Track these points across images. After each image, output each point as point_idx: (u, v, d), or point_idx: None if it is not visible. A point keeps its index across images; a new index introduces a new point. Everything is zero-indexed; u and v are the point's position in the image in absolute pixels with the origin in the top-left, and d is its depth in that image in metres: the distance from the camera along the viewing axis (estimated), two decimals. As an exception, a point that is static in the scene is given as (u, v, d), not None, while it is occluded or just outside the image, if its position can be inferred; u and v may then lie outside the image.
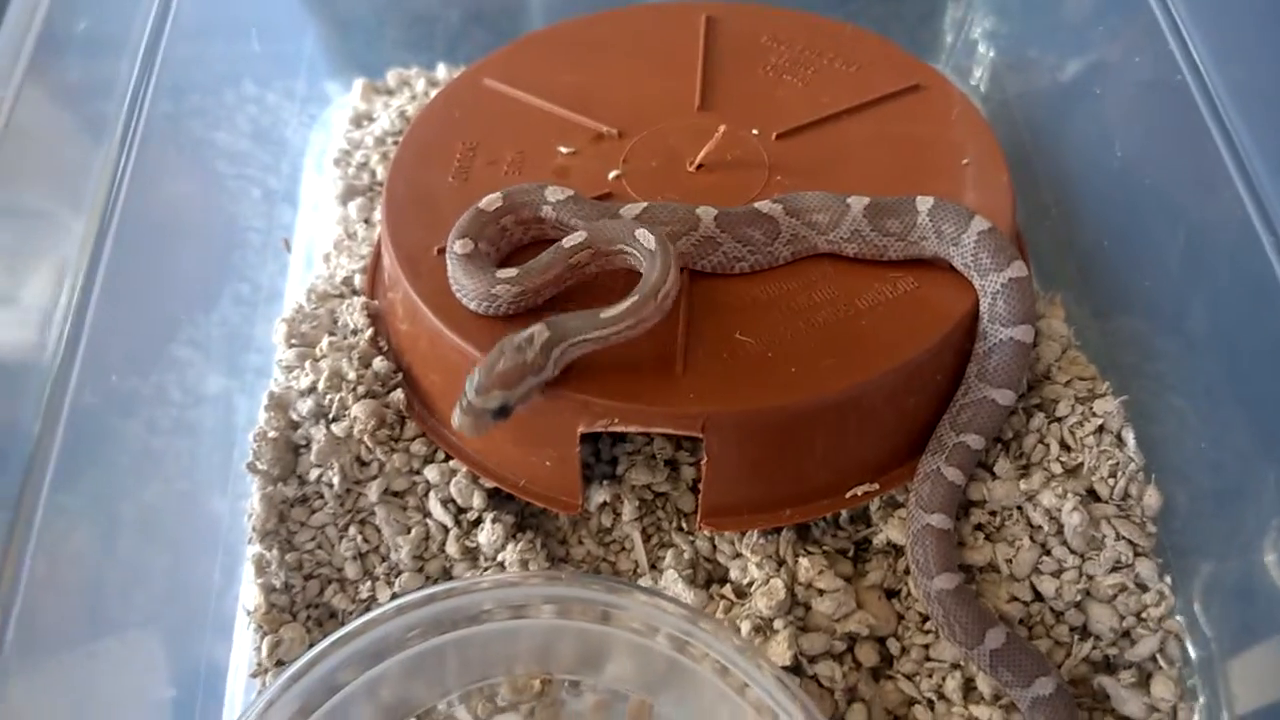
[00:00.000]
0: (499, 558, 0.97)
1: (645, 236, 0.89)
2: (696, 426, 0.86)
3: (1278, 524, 0.86)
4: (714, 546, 0.99)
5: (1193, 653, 0.90)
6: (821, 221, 0.93)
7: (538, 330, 0.84)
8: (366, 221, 1.24)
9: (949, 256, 0.92)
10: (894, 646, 0.94)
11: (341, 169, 1.30)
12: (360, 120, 1.37)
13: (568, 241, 0.91)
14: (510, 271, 0.91)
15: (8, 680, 0.77)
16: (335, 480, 0.98)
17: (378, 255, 1.16)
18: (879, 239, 0.92)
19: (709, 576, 0.98)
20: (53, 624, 0.87)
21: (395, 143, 1.30)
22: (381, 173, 1.28)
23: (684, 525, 1.01)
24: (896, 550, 0.96)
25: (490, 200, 0.95)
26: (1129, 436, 0.93)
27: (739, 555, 0.97)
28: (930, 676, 0.92)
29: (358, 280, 1.15)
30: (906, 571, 0.95)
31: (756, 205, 0.95)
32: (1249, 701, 0.84)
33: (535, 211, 0.96)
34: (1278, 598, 0.85)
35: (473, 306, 0.93)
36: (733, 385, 0.87)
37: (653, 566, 1.00)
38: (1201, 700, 0.88)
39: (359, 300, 1.10)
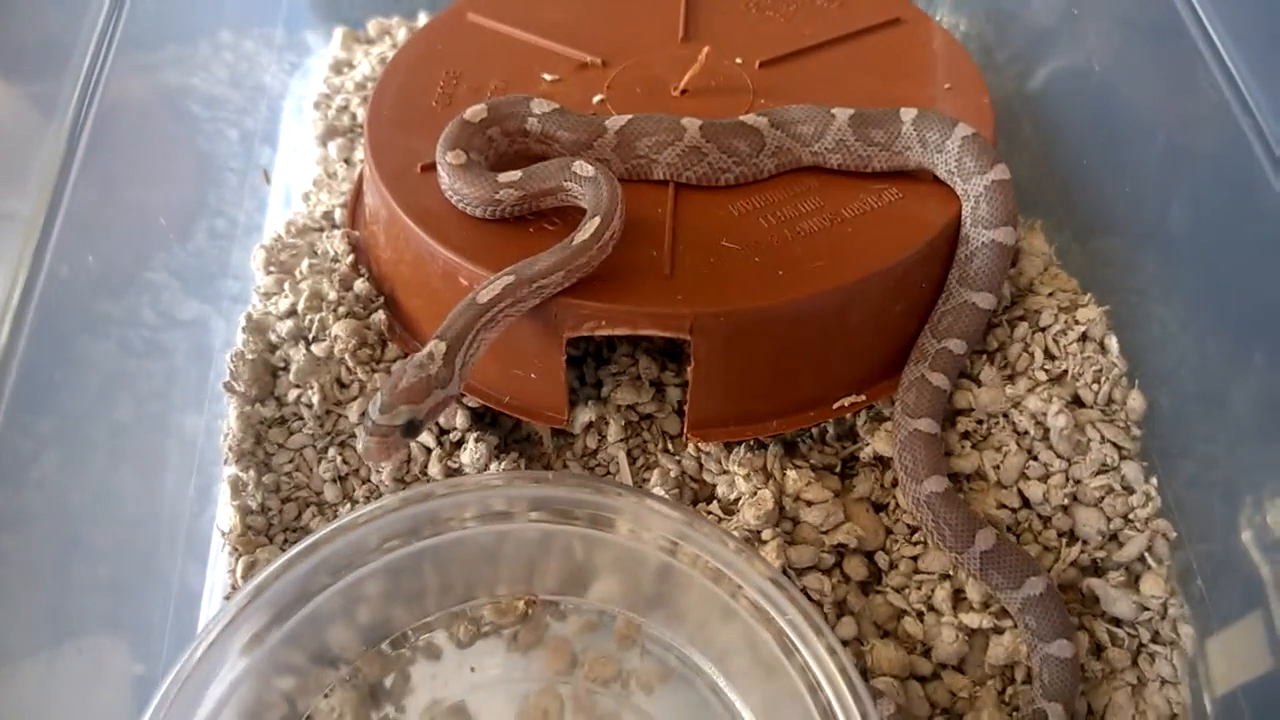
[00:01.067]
0: (482, 477, 0.96)
1: (582, 167, 0.89)
2: (684, 328, 0.86)
3: (1259, 424, 0.86)
4: (700, 465, 0.98)
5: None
6: (806, 133, 0.94)
7: (434, 345, 0.82)
8: (346, 161, 1.23)
9: (933, 165, 0.93)
10: (882, 560, 0.93)
11: (321, 111, 1.29)
12: (340, 68, 1.36)
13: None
14: (513, 175, 0.91)
15: None
16: (315, 400, 0.96)
17: (358, 191, 1.16)
18: (864, 149, 0.93)
19: (695, 495, 0.97)
20: (20, 549, 0.85)
21: (376, 82, 1.29)
22: (361, 115, 1.28)
23: (670, 447, 1.00)
24: (883, 463, 0.96)
25: (475, 111, 0.95)
26: (1112, 343, 0.94)
27: (725, 472, 0.96)
28: (919, 588, 0.92)
29: (338, 215, 1.14)
30: (894, 484, 0.94)
31: (742, 118, 0.95)
32: (1231, 600, 0.85)
33: (520, 123, 0.96)
34: (1260, 496, 0.85)
35: (476, 213, 0.92)
36: (720, 288, 0.87)
37: (639, 488, 0.99)
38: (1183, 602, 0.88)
39: (340, 230, 1.09)
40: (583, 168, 0.89)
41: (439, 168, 0.93)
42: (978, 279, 0.90)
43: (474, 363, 0.84)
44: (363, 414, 0.81)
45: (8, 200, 0.88)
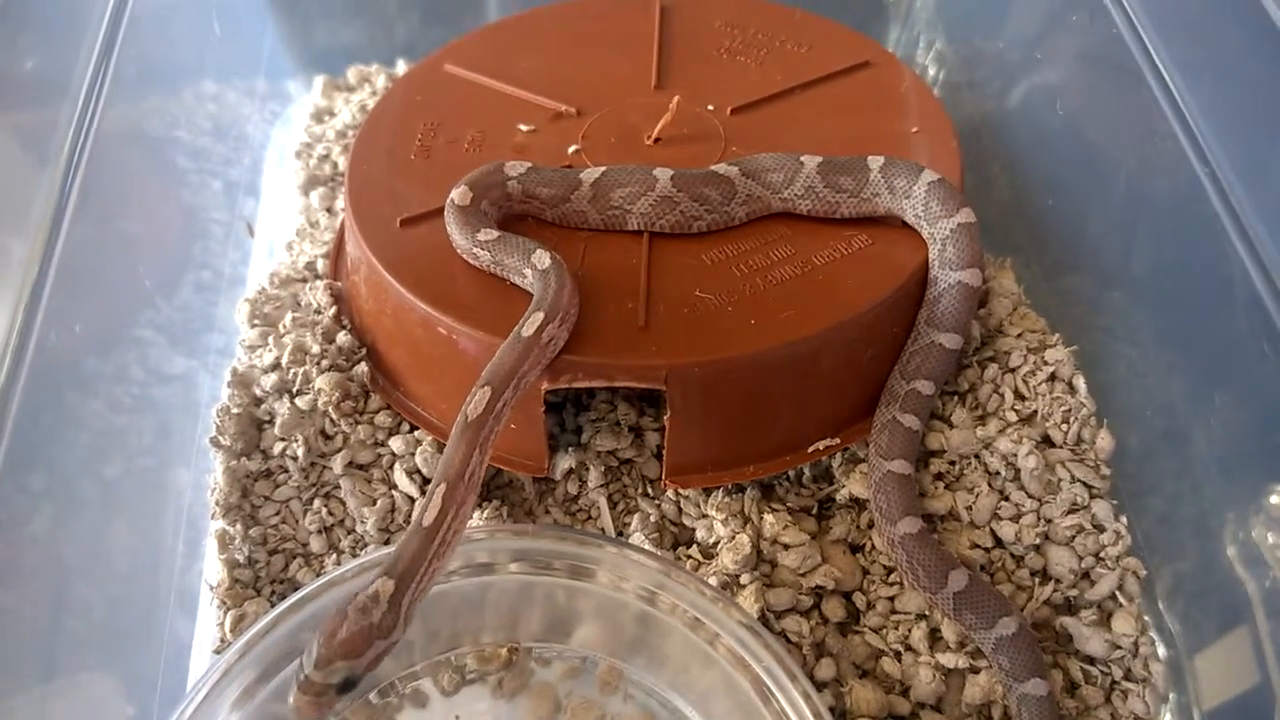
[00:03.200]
0: (465, 526, 0.97)
1: (540, 258, 0.89)
2: (660, 379, 0.87)
3: (1225, 459, 0.88)
4: (679, 509, 0.99)
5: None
6: (776, 180, 0.96)
7: (381, 584, 0.75)
8: (328, 210, 1.25)
9: (901, 211, 0.95)
10: (860, 601, 0.95)
11: (303, 160, 1.31)
12: (321, 115, 1.38)
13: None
14: (491, 234, 0.92)
15: None
16: (299, 453, 0.98)
17: (340, 241, 1.17)
18: (832, 195, 0.95)
19: (675, 539, 0.99)
20: (14, 604, 0.86)
21: (356, 135, 1.31)
22: (343, 164, 1.29)
23: (649, 491, 1.01)
24: (859, 505, 0.97)
25: (461, 194, 0.95)
26: (1080, 383, 0.96)
27: (704, 516, 0.97)
28: (897, 628, 0.93)
29: (320, 265, 1.16)
30: (870, 526, 0.96)
31: (713, 167, 0.97)
32: (1204, 633, 0.86)
33: (503, 190, 0.97)
34: (1225, 530, 0.87)
35: (464, 258, 0.95)
36: (694, 338, 0.89)
37: (619, 533, 1.00)
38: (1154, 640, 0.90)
39: (322, 282, 1.10)
40: (540, 259, 0.88)
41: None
42: (945, 320, 0.92)
43: (423, 599, 0.78)
44: (300, 659, 0.74)
45: None
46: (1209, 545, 0.87)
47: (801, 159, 0.96)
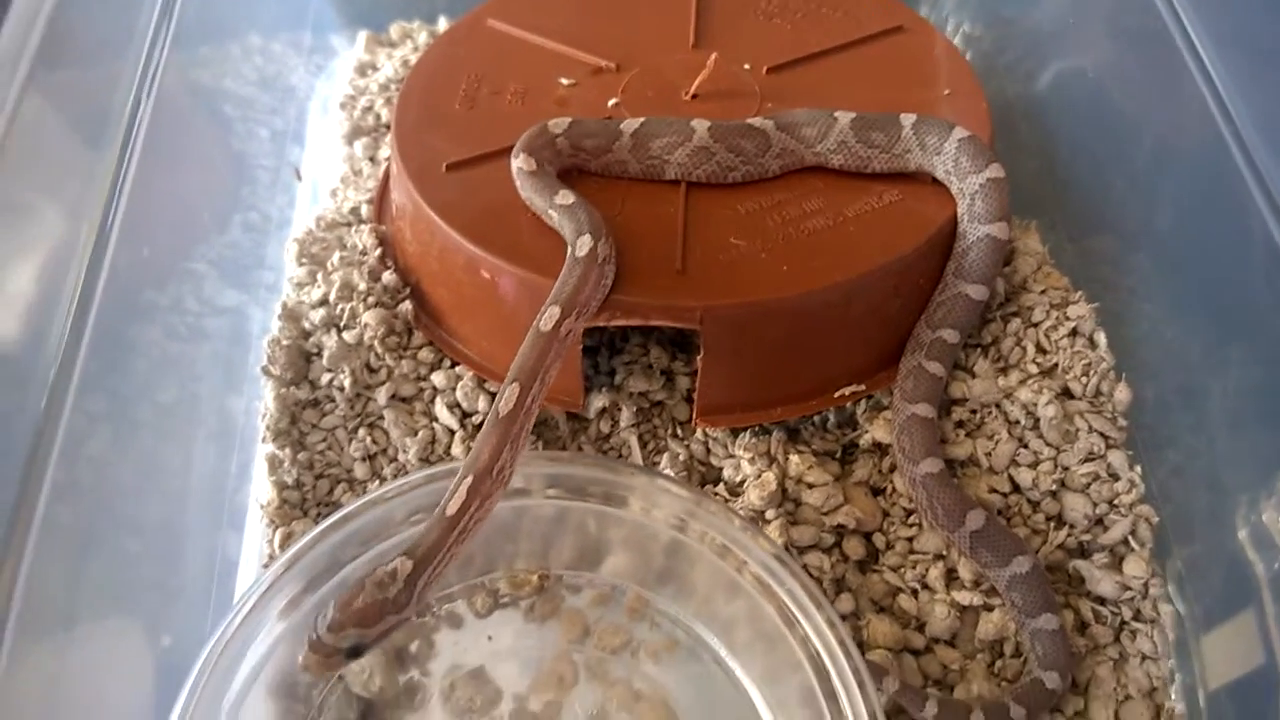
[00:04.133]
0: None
1: (582, 244, 0.89)
2: (694, 319, 0.91)
3: (1237, 414, 0.91)
4: (707, 450, 1.03)
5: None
6: (810, 135, 0.99)
7: (400, 563, 0.79)
8: (371, 159, 1.29)
9: (931, 167, 0.98)
10: (879, 541, 0.99)
11: (347, 112, 1.35)
12: (364, 70, 1.42)
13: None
14: (569, 199, 0.95)
15: (34, 580, 0.79)
16: (346, 384, 1.02)
17: (384, 187, 1.21)
18: (864, 150, 0.98)
19: (703, 478, 1.03)
20: (72, 521, 0.91)
21: (398, 89, 1.35)
22: (385, 115, 1.34)
23: (678, 432, 1.05)
24: (881, 450, 1.01)
25: (525, 160, 0.98)
26: (1100, 338, 0.99)
27: (731, 456, 1.01)
28: (914, 567, 0.97)
29: (364, 210, 1.20)
30: (891, 470, 1.00)
31: (748, 120, 1.01)
32: (1212, 579, 0.90)
33: (553, 148, 1.00)
34: (1238, 482, 0.90)
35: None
36: (728, 282, 0.93)
37: (650, 468, 1.04)
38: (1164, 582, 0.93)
39: (367, 226, 1.15)
40: (582, 244, 0.89)
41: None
42: (972, 271, 0.96)
43: (437, 583, 0.81)
44: (315, 619, 0.78)
45: (69, 194, 0.94)
46: (1220, 496, 0.91)
47: (835, 114, 0.99)
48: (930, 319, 0.97)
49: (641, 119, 1.02)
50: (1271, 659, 0.82)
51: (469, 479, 0.82)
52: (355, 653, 0.78)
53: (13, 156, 0.90)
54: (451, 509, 0.81)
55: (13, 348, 0.87)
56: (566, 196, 0.95)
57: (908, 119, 0.98)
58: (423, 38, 1.44)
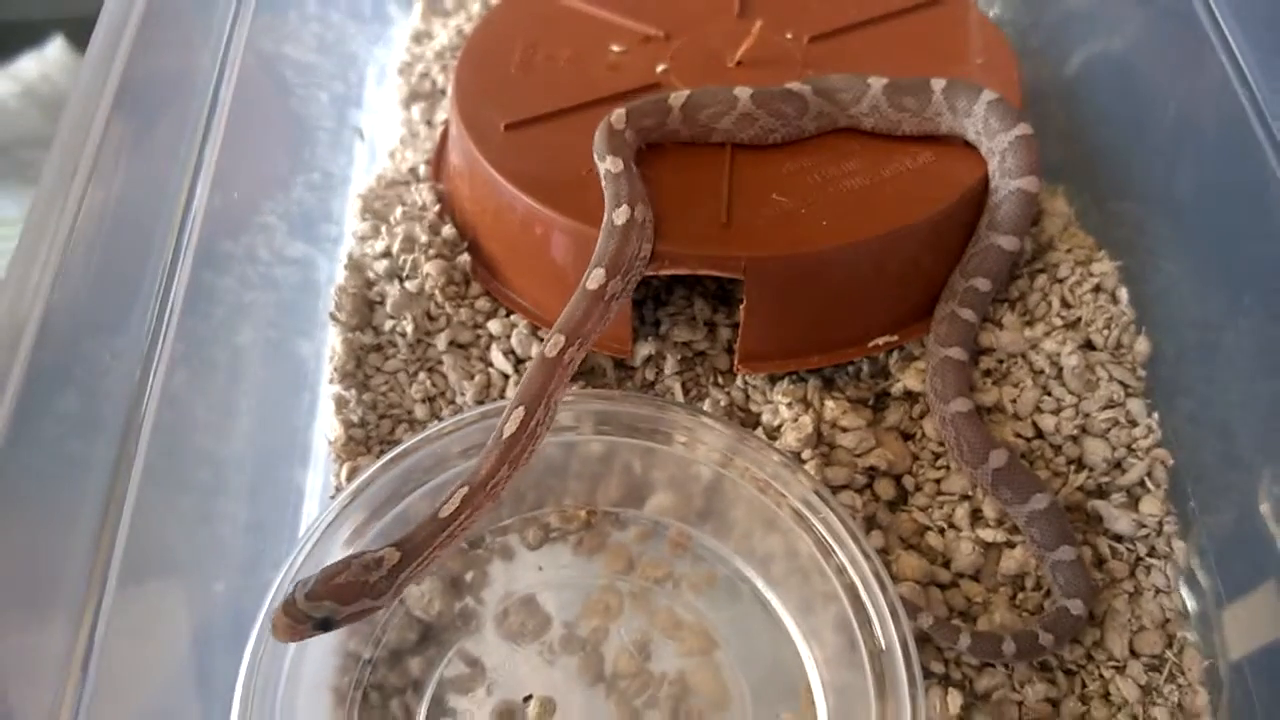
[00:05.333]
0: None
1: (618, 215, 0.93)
2: (739, 269, 0.97)
3: (1249, 367, 0.97)
4: (747, 396, 1.09)
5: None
6: (845, 99, 1.05)
7: (388, 553, 0.81)
8: (428, 123, 1.36)
9: (962, 130, 1.04)
10: (909, 483, 1.05)
11: (404, 77, 1.42)
12: (420, 38, 1.49)
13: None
14: (617, 165, 0.99)
15: (138, 511, 0.86)
16: (408, 330, 1.09)
17: (441, 148, 1.28)
18: (895, 114, 1.04)
19: (742, 423, 1.09)
20: (153, 458, 0.98)
21: (454, 56, 1.41)
22: (441, 81, 1.40)
23: (719, 380, 1.11)
24: (912, 398, 1.07)
25: (618, 117, 1.03)
26: (1122, 294, 1.05)
27: (770, 402, 1.07)
28: (941, 508, 1.03)
29: (422, 170, 1.27)
30: (922, 416, 1.06)
31: (787, 85, 1.07)
32: (1223, 517, 0.95)
33: (621, 133, 1.04)
34: (1249, 428, 0.96)
35: None
36: (771, 235, 0.99)
37: (695, 407, 1.10)
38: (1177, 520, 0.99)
39: (427, 184, 1.21)
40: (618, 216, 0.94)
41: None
42: (1004, 223, 1.01)
43: (416, 580, 0.85)
44: (295, 584, 0.80)
45: (166, 159, 1.01)
46: (1232, 441, 0.96)
47: (869, 80, 1.05)
48: (964, 269, 1.03)
49: (688, 91, 1.07)
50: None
51: (465, 490, 0.85)
52: (324, 625, 0.78)
53: (112, 117, 0.97)
54: (444, 513, 0.84)
55: (117, 294, 0.94)
56: (616, 164, 0.99)
57: (938, 83, 1.04)
58: (476, 7, 1.50)
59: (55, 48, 1.71)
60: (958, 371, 0.98)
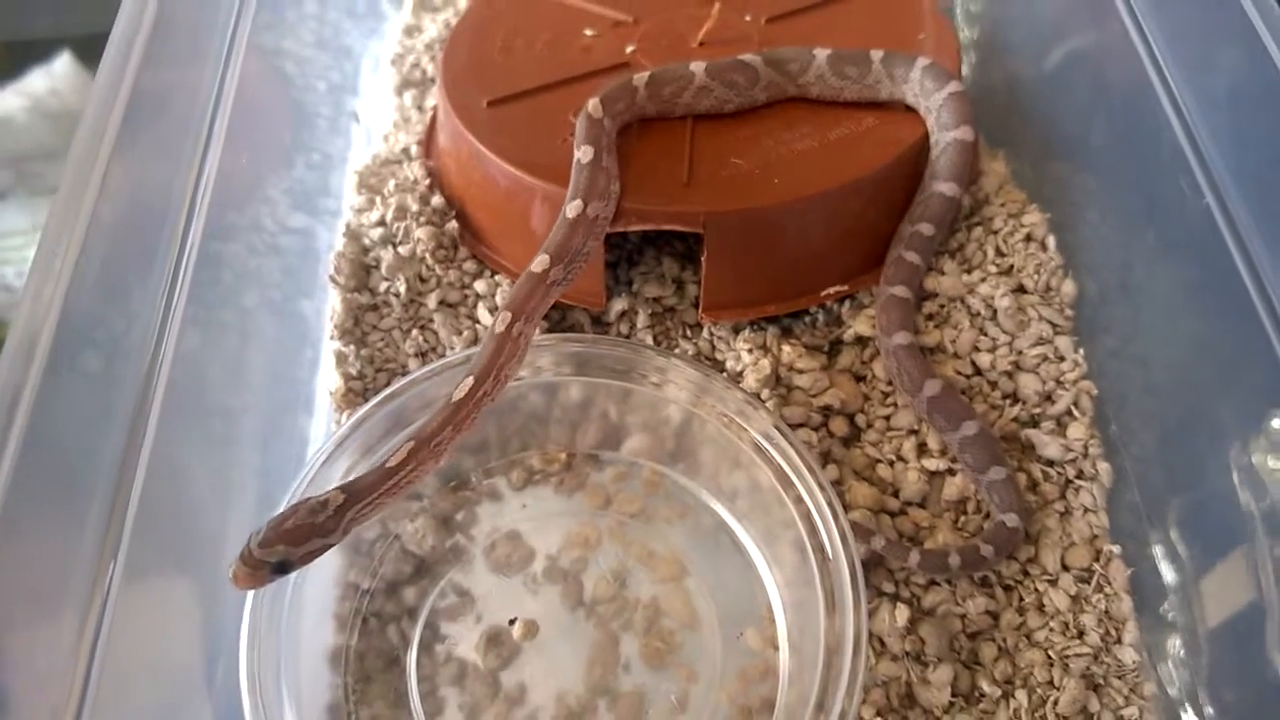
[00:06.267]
0: (536, 354, 1.17)
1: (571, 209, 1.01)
2: (699, 223, 1.07)
3: (1164, 303, 1.06)
4: (713, 346, 1.19)
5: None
6: (793, 69, 1.15)
7: (333, 495, 0.87)
8: (419, 108, 1.46)
9: (902, 95, 1.14)
10: (860, 420, 1.14)
11: (397, 68, 1.52)
12: (411, 32, 1.59)
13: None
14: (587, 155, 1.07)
15: (155, 458, 0.94)
16: (401, 290, 1.19)
17: (431, 130, 1.38)
18: (838, 81, 1.15)
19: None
20: (169, 409, 1.07)
21: (442, 48, 1.51)
22: (431, 71, 1.50)
23: (688, 333, 1.21)
24: (863, 342, 1.16)
25: (594, 106, 1.11)
26: (1051, 242, 1.15)
27: (733, 349, 1.17)
28: (890, 442, 1.12)
29: (413, 150, 1.37)
30: (873, 358, 1.15)
31: (739, 57, 1.17)
32: (1143, 438, 1.05)
33: (600, 128, 1.10)
34: (1162, 357, 1.05)
35: None
36: (728, 192, 1.08)
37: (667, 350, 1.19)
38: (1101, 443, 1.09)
39: (418, 161, 1.31)
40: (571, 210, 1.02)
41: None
42: (943, 172, 1.12)
43: (362, 521, 0.89)
44: (249, 536, 0.85)
45: (178, 142, 1.11)
46: (1148, 369, 1.06)
47: (814, 51, 1.16)
48: (911, 216, 1.14)
49: (649, 72, 1.16)
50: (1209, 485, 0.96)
51: (411, 443, 0.91)
52: (281, 569, 0.83)
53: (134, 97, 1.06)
54: (391, 462, 0.90)
55: (135, 262, 1.04)
56: (587, 152, 1.06)
57: (877, 54, 1.15)
58: (462, 3, 1.61)
59: (63, 63, 1.79)
60: (901, 308, 1.08)
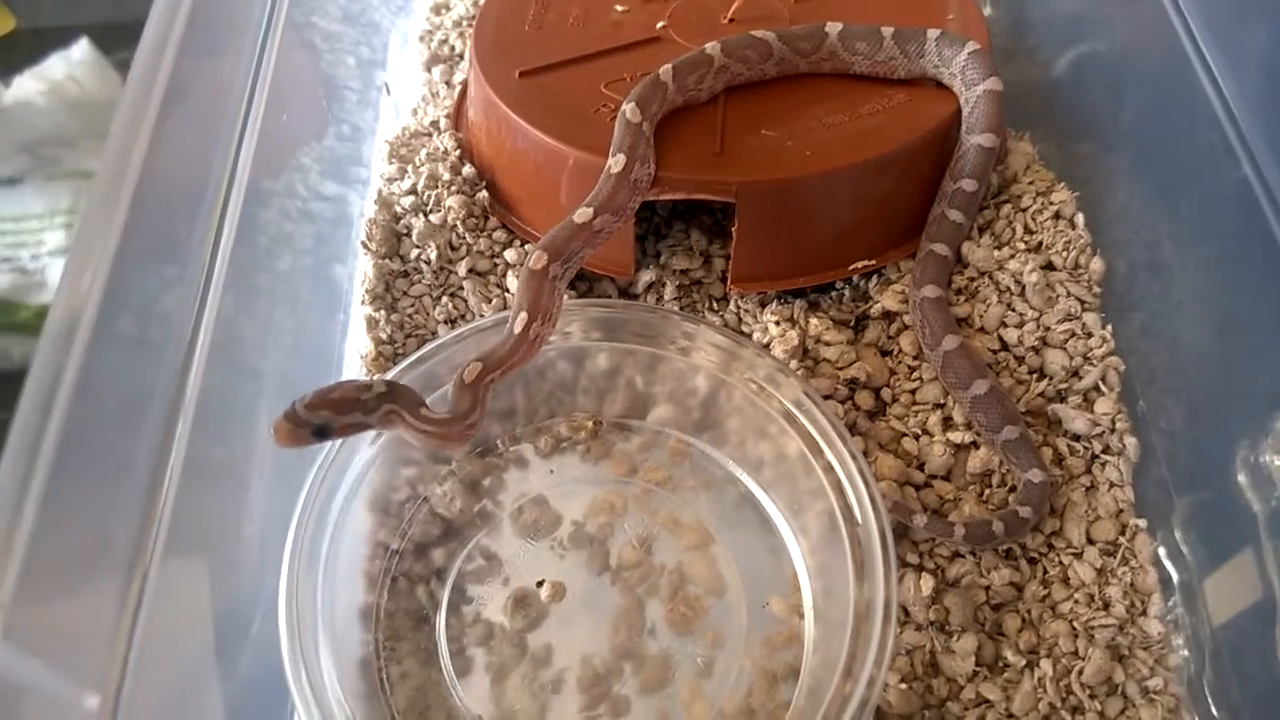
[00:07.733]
0: (565, 322, 1.18)
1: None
2: (730, 193, 1.08)
3: (1192, 280, 1.07)
4: (739, 318, 1.20)
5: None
6: (805, 47, 1.16)
7: (378, 381, 0.91)
8: (447, 83, 1.47)
9: (922, 70, 1.16)
10: (886, 394, 1.14)
11: (425, 43, 1.53)
12: (439, 9, 1.60)
13: None
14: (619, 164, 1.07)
15: (197, 422, 0.96)
16: (432, 258, 1.20)
17: (460, 103, 1.39)
18: (848, 56, 1.17)
19: (736, 342, 1.19)
20: (204, 370, 1.08)
21: (470, 25, 1.53)
22: (459, 46, 1.51)
23: (714, 306, 1.22)
24: (890, 318, 1.17)
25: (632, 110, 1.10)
26: (1079, 220, 1.16)
27: (760, 322, 1.17)
28: (916, 416, 1.12)
29: (443, 123, 1.38)
30: (899, 333, 1.16)
31: (753, 32, 1.17)
32: (1171, 414, 1.06)
33: (639, 132, 1.09)
34: (1199, 344, 1.06)
35: None
36: (760, 164, 1.09)
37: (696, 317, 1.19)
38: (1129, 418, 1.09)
39: (447, 132, 1.32)
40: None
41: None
42: (978, 124, 1.14)
43: (389, 425, 0.91)
44: (295, 399, 0.87)
45: (215, 117, 1.13)
46: (1177, 347, 1.07)
47: (826, 27, 1.17)
48: (951, 171, 1.15)
49: (670, 64, 1.14)
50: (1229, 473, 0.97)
51: (444, 425, 0.92)
52: (321, 433, 0.86)
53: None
54: (424, 411, 0.92)
55: (176, 228, 1.05)
56: (619, 161, 1.05)
57: (887, 30, 1.16)
58: (490, -19, 1.62)
59: (81, 49, 1.81)
60: (939, 265, 1.11)
